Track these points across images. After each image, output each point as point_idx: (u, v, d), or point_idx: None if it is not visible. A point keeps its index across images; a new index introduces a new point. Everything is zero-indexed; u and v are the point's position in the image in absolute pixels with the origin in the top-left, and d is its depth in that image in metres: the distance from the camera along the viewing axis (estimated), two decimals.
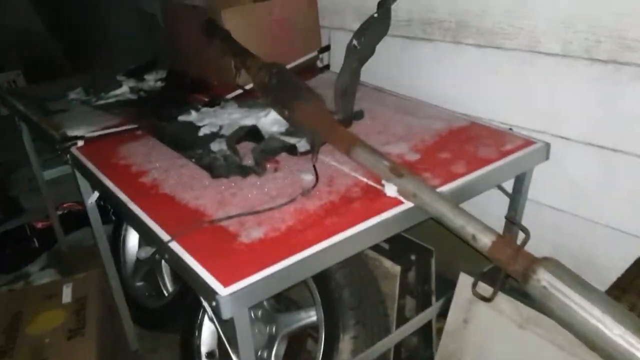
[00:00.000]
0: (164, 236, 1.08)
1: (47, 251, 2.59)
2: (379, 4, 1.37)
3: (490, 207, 1.35)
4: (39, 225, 2.58)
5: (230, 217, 1.11)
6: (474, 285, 1.07)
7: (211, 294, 0.91)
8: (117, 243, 2.15)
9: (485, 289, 1.11)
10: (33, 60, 4.32)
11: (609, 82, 1.25)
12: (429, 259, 1.46)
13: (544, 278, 0.92)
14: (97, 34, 3.64)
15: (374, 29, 1.37)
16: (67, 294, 1.76)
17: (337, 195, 1.18)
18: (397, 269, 1.41)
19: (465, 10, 1.48)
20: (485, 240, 1.01)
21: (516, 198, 1.40)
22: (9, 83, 4.10)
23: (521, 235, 1.01)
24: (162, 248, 1.07)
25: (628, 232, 1.32)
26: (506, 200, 1.42)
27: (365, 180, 1.23)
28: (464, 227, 1.03)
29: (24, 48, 4.56)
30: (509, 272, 0.98)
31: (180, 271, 1.03)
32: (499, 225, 1.45)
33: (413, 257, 1.44)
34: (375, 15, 1.35)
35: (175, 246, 1.04)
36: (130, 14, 3.20)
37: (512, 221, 1.00)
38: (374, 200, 1.15)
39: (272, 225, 1.08)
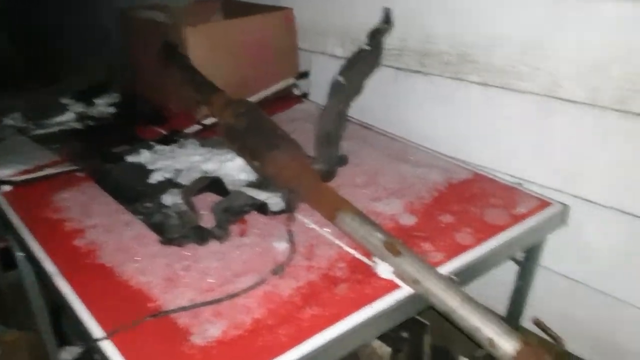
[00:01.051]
0: (96, 331, 0.84)
1: None
2: (370, 34, 1.13)
3: (493, 273, 1.14)
4: None
5: (181, 309, 0.87)
6: None
7: None
8: None
9: None
10: None
11: None
12: (422, 335, 1.24)
13: None
14: (52, 46, 3.34)
15: (363, 64, 1.14)
16: None
17: (318, 273, 0.95)
18: (386, 350, 1.19)
19: (471, 43, 1.25)
20: (506, 348, 0.79)
21: (527, 266, 1.19)
22: None
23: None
24: (91, 346, 0.84)
25: None
26: (512, 265, 1.21)
27: (352, 252, 1.01)
28: (480, 330, 0.81)
29: None
30: None
31: None
32: (503, 296, 1.25)
33: (405, 335, 1.21)
34: (366, 47, 1.12)
35: (108, 347, 0.81)
36: (84, 27, 2.89)
37: (542, 328, 0.79)
38: (364, 282, 0.93)
39: (235, 318, 0.85)
